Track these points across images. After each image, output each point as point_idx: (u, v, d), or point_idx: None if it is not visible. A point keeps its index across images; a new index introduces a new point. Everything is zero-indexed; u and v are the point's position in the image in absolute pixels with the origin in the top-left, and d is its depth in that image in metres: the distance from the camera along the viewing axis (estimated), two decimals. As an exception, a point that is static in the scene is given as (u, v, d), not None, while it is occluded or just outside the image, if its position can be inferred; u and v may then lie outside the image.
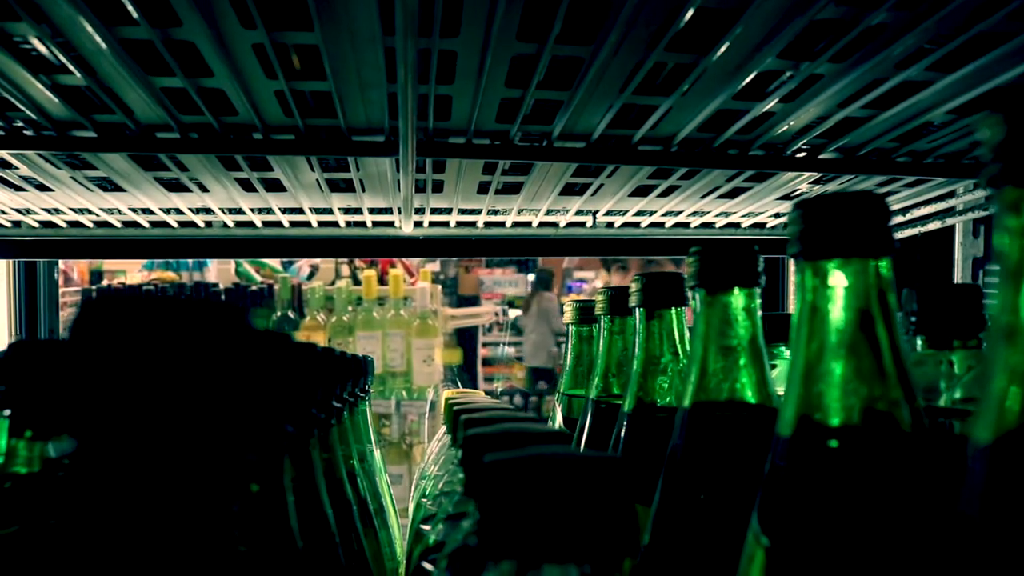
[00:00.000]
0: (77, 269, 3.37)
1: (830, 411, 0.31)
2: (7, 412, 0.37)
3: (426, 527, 0.48)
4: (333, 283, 2.58)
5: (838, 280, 0.31)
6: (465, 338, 4.15)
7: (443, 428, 0.73)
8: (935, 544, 0.27)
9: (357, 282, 2.60)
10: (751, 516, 0.33)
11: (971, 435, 0.22)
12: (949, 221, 0.91)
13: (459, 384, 2.35)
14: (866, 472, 0.30)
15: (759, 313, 0.42)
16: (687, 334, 0.52)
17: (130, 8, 0.44)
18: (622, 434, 0.54)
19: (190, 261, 2.99)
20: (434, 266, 4.27)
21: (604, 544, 0.21)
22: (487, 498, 0.22)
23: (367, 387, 0.72)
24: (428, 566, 0.40)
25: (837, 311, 0.31)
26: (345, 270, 2.86)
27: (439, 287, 3.06)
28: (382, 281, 2.68)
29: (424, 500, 0.59)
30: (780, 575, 0.31)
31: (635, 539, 0.21)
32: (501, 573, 0.23)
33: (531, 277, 5.33)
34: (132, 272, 3.15)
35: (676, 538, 0.42)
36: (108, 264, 3.36)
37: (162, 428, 0.19)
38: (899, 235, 1.00)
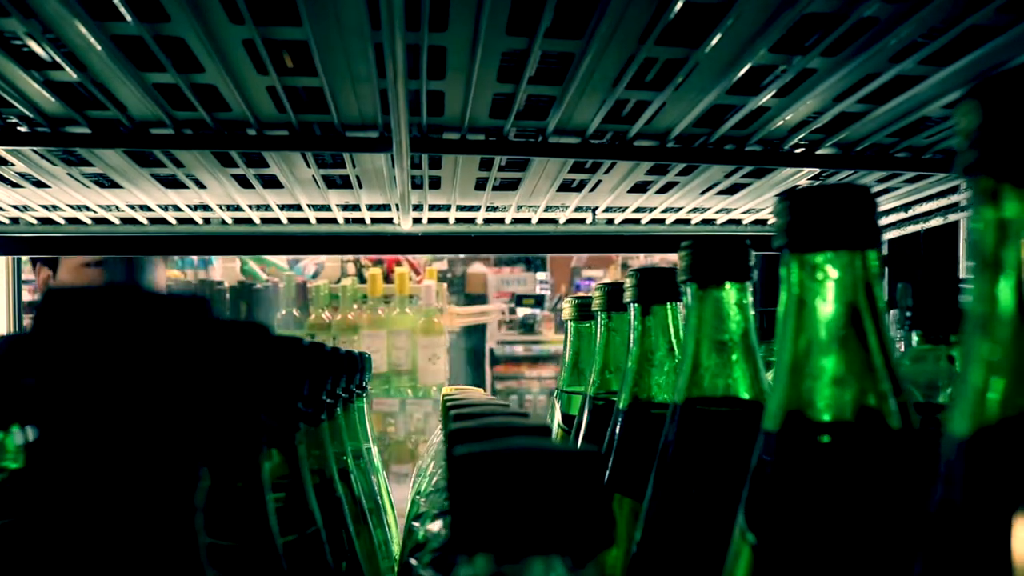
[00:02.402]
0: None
1: (815, 405, 0.31)
2: (-6, 407, 0.37)
3: (416, 524, 0.48)
4: (338, 281, 2.58)
5: (824, 273, 0.31)
6: (473, 337, 4.15)
7: (440, 425, 0.73)
8: (920, 539, 0.27)
9: (363, 280, 2.60)
10: (738, 512, 0.33)
11: (947, 429, 0.22)
12: (951, 217, 0.91)
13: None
14: (852, 468, 0.30)
15: (751, 308, 0.42)
16: (682, 329, 0.52)
17: (118, 3, 0.44)
18: (617, 431, 0.53)
19: (195, 259, 2.99)
20: (441, 264, 4.26)
21: (575, 536, 0.21)
22: (457, 489, 0.22)
23: (364, 384, 0.72)
24: (413, 562, 0.40)
25: (823, 304, 0.31)
26: (351, 268, 2.86)
27: (445, 285, 3.06)
28: (388, 279, 2.68)
29: (418, 497, 0.59)
30: (765, 572, 0.30)
31: (609, 531, 0.21)
32: (474, 567, 0.23)
33: (541, 276, 5.32)
34: (138, 271, 3.16)
35: (667, 534, 0.42)
36: (115, 263, 3.37)
37: (124, 416, 0.19)
38: (901, 232, 0.99)
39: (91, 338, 0.19)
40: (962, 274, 1.02)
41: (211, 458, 0.22)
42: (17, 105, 0.57)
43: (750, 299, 0.42)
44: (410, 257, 2.82)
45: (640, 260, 4.00)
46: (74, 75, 0.53)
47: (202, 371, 0.21)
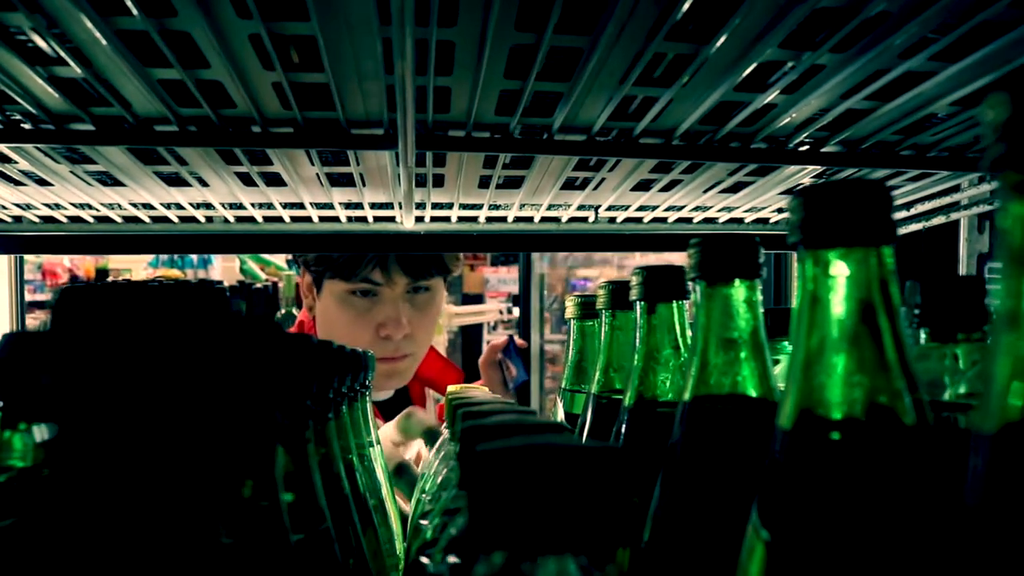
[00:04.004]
0: (83, 267, 3.38)
1: (831, 403, 0.30)
2: (0, 404, 0.37)
3: (424, 522, 0.48)
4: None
5: (839, 269, 0.30)
6: (470, 336, 4.15)
7: (444, 424, 0.73)
8: (937, 537, 0.27)
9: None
10: (751, 509, 0.33)
11: (974, 424, 0.22)
12: (954, 216, 0.91)
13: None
14: (867, 465, 0.30)
15: (760, 306, 0.42)
16: (688, 328, 0.52)
17: (125, -3, 0.44)
18: (623, 429, 0.53)
19: (194, 258, 2.99)
20: (438, 264, 4.26)
21: (596, 534, 0.21)
22: (477, 487, 0.21)
23: (367, 382, 0.72)
24: (424, 560, 0.40)
25: (838, 301, 0.30)
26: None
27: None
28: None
29: (423, 495, 0.59)
30: (779, 568, 0.30)
31: (629, 529, 0.21)
32: (492, 565, 0.23)
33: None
34: (137, 270, 3.17)
35: (676, 533, 0.42)
36: (113, 262, 3.38)
37: (144, 416, 0.19)
38: (903, 230, 0.99)
39: (110, 337, 0.19)
40: (963, 274, 1.02)
41: (227, 456, 0.22)
42: (21, 101, 0.57)
43: (759, 297, 0.42)
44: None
45: (635, 259, 3.99)
46: (79, 71, 0.52)
47: (222, 368, 0.20)
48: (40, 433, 0.36)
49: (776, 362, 0.57)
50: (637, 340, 0.52)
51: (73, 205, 0.86)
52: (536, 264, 2.47)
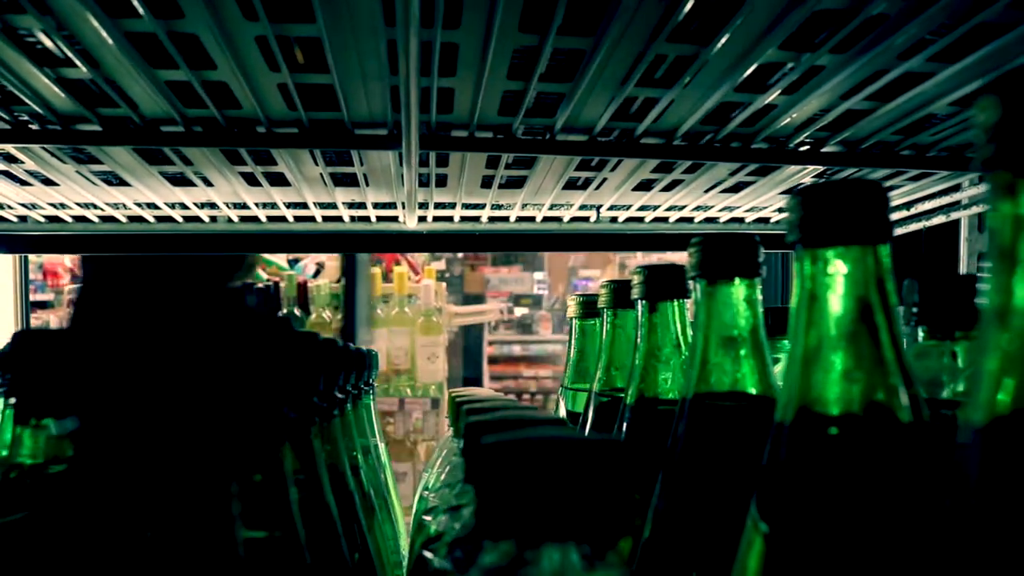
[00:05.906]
0: (84, 267, 3.38)
1: (828, 399, 0.31)
2: (12, 401, 0.37)
3: (428, 518, 0.48)
4: (339, 281, 2.58)
5: (837, 267, 0.31)
6: (471, 336, 4.15)
7: (446, 422, 0.73)
8: (932, 532, 0.27)
9: (362, 279, 2.60)
10: (750, 503, 0.33)
11: (963, 419, 0.23)
12: (954, 215, 0.91)
13: None
14: (864, 460, 0.30)
15: (760, 304, 0.42)
16: (689, 327, 0.52)
17: (134, 0, 0.44)
18: (624, 427, 0.54)
19: (197, 258, 2.99)
20: (440, 264, 4.27)
21: (598, 524, 0.22)
22: (484, 479, 0.22)
23: (371, 380, 0.72)
24: (429, 555, 0.41)
25: (835, 299, 0.31)
26: (351, 268, 2.86)
27: (443, 284, 3.07)
28: (387, 279, 2.69)
29: (426, 493, 0.60)
30: (778, 561, 0.31)
31: (631, 520, 0.22)
32: (499, 554, 0.23)
33: (538, 275, 5.34)
34: (139, 269, 3.16)
35: (676, 529, 0.42)
36: (116, 262, 3.38)
37: (157, 406, 0.20)
38: (903, 230, 0.99)
39: (127, 335, 0.20)
40: (963, 272, 1.02)
41: (235, 451, 0.23)
42: (29, 102, 0.58)
43: (759, 295, 0.42)
44: (409, 256, 2.82)
45: (637, 259, 4.00)
46: (87, 72, 0.53)
47: (234, 365, 0.21)
48: (51, 429, 0.37)
49: (776, 360, 0.57)
50: (638, 338, 0.53)
51: (78, 205, 0.87)
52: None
